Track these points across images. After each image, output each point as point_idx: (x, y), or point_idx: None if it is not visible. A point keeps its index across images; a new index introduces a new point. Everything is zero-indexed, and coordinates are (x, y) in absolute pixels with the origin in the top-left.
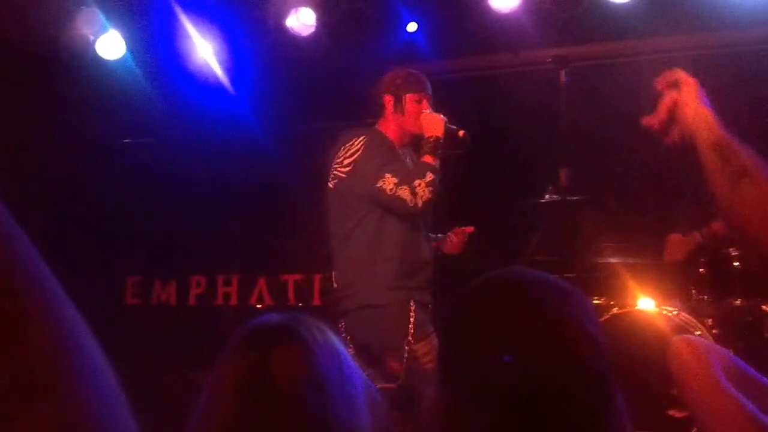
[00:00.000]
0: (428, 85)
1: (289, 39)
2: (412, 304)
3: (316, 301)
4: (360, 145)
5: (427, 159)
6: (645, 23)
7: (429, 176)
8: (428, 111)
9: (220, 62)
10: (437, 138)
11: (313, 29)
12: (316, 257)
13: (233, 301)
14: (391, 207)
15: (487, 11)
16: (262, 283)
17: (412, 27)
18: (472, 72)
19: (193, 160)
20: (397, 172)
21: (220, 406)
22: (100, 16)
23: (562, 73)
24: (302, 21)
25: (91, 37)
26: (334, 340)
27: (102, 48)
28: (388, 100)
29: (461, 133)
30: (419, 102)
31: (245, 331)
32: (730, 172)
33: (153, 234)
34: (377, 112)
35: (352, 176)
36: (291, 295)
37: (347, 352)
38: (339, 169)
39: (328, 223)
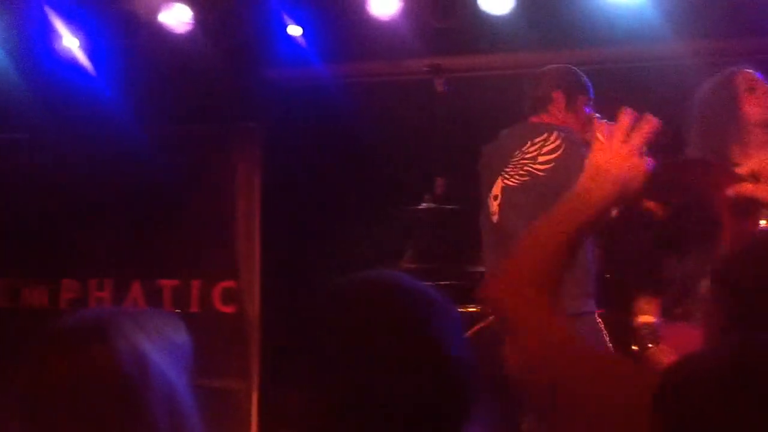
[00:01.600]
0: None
1: (163, 35)
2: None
3: (194, 308)
4: (558, 141)
5: None
6: (520, 37)
7: None
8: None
9: (89, 58)
10: None
11: (188, 26)
12: (194, 263)
13: (107, 306)
14: None
15: (367, 18)
16: (137, 288)
17: (295, 30)
18: (351, 78)
19: (64, 159)
20: None
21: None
22: None
23: (439, 82)
24: (177, 17)
25: None
26: (143, 341)
27: None
28: (559, 96)
29: None
30: (588, 107)
31: (49, 330)
32: None
33: (21, 235)
34: (536, 106)
35: (555, 172)
36: (167, 301)
37: (162, 357)
38: (531, 165)
39: (502, 223)
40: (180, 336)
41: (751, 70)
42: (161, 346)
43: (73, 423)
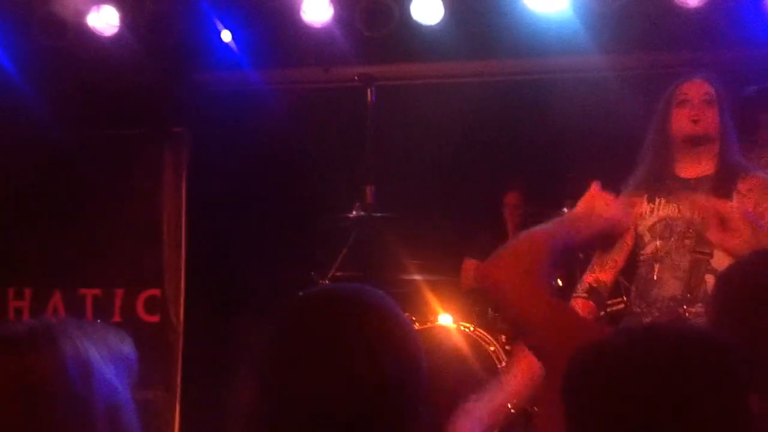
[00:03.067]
0: None
1: (91, 38)
2: None
3: (117, 317)
4: None
5: None
6: (451, 47)
7: None
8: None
9: (12, 60)
10: None
11: (116, 29)
12: (117, 271)
13: (26, 315)
14: None
15: (300, 24)
16: (57, 297)
17: (226, 36)
18: (281, 84)
19: None
20: None
21: None
22: None
23: (369, 91)
24: (105, 20)
25: None
26: (90, 349)
27: None
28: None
29: None
30: None
31: None
32: None
33: None
34: (745, 132)
35: None
36: (89, 310)
37: (108, 367)
38: None
39: None
40: (126, 347)
41: (698, 79)
42: (107, 356)
43: (15, 426)
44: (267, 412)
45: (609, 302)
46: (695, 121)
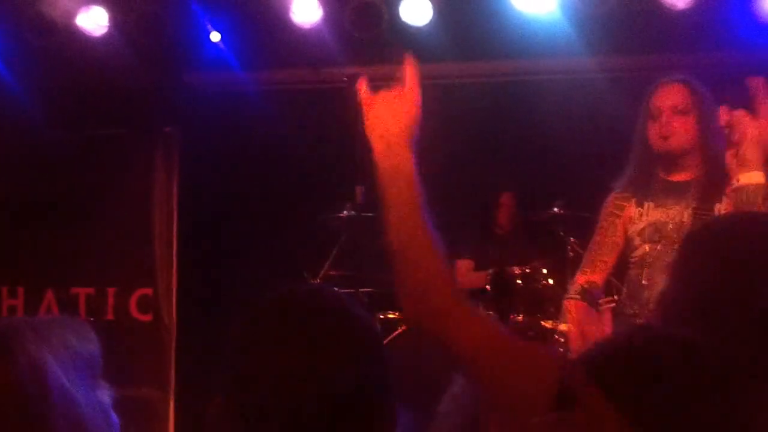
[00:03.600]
0: None
1: (80, 39)
2: None
3: (110, 316)
4: None
5: None
6: (439, 48)
7: None
8: None
9: (2, 60)
10: None
11: (106, 30)
12: (110, 270)
13: (19, 314)
14: None
15: (289, 25)
16: (50, 295)
17: (215, 36)
18: (272, 85)
19: None
20: None
21: None
22: None
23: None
24: (94, 20)
25: None
26: (45, 354)
27: None
28: None
29: None
30: None
31: None
32: None
33: None
34: None
35: None
36: (82, 309)
37: (65, 370)
38: None
39: None
40: (87, 345)
41: (675, 84)
42: (64, 358)
43: None
44: (232, 417)
45: (600, 301)
46: (665, 138)
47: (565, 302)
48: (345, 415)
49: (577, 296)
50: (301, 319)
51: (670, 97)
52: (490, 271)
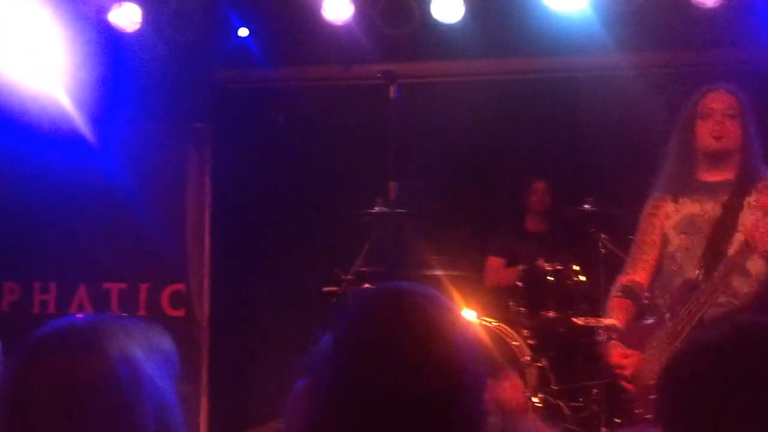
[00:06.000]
0: None
1: (113, 35)
2: None
3: (142, 311)
4: None
5: None
6: (471, 45)
7: None
8: None
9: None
10: None
11: (138, 26)
12: (142, 265)
13: (51, 309)
14: None
15: (321, 22)
16: (82, 291)
17: (243, 32)
18: (304, 82)
19: (8, 159)
20: None
21: None
22: None
23: (392, 88)
24: (127, 17)
25: None
26: (135, 348)
27: None
28: None
29: None
30: None
31: (32, 337)
32: None
33: None
34: None
35: None
36: (114, 304)
37: (152, 366)
38: None
39: None
40: (166, 344)
41: (722, 90)
42: (151, 354)
43: (63, 428)
44: (340, 399)
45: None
46: (718, 138)
47: (609, 301)
48: (440, 415)
49: (620, 294)
50: (425, 317)
51: (722, 100)
52: (521, 267)
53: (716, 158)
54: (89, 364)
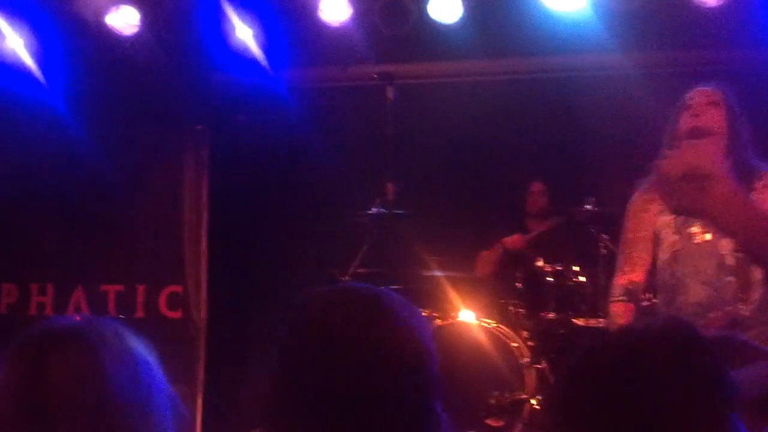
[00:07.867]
0: None
1: (110, 37)
2: None
3: (139, 313)
4: None
5: None
6: (469, 45)
7: None
8: None
9: (34, 59)
10: None
11: (136, 29)
12: (139, 267)
13: (48, 310)
14: None
15: (318, 24)
16: (79, 292)
17: (243, 34)
18: (301, 84)
19: (6, 160)
20: None
21: None
22: None
23: (389, 89)
24: (124, 19)
25: None
26: (133, 347)
27: None
28: None
29: None
30: None
31: (25, 335)
32: None
33: None
34: None
35: None
36: (111, 306)
37: (152, 362)
38: None
39: None
40: (151, 349)
41: (706, 86)
42: (145, 356)
43: (62, 425)
44: (283, 402)
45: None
46: (695, 116)
47: (612, 306)
48: (394, 411)
49: (623, 298)
50: (361, 315)
51: (705, 93)
52: (521, 269)
53: (696, 137)
54: (84, 364)
